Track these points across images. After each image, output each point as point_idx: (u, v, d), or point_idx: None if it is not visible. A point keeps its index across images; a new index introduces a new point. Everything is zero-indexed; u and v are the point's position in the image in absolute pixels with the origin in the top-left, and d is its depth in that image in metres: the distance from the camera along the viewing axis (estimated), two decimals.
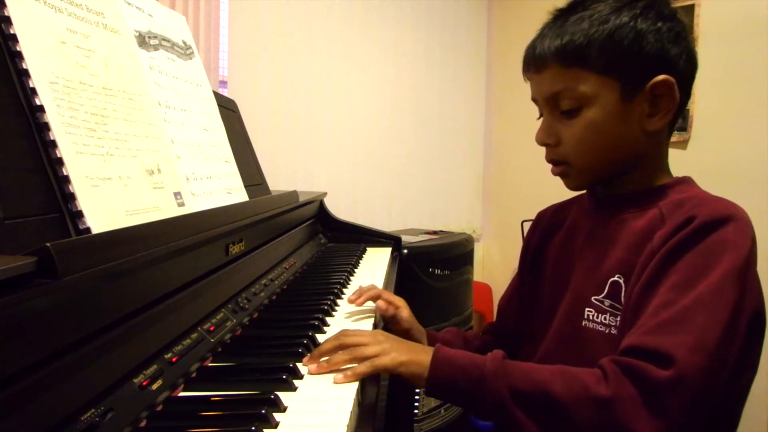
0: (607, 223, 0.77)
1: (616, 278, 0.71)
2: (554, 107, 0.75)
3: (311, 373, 0.65)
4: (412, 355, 0.67)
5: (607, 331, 0.71)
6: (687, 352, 0.56)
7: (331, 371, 0.65)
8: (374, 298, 0.95)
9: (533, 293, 0.88)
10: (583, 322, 0.74)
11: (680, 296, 0.60)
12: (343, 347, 0.67)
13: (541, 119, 0.78)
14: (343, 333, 0.71)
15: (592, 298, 0.73)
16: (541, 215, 0.95)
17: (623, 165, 0.75)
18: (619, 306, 0.70)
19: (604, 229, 0.77)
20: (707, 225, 0.63)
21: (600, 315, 0.72)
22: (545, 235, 0.90)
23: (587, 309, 0.74)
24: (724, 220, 0.63)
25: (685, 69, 0.72)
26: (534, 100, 0.79)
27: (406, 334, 0.90)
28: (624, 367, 0.58)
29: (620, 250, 0.72)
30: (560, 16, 0.75)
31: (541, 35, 0.75)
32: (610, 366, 0.59)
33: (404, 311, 0.93)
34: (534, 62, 0.76)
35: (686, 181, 0.76)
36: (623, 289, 0.70)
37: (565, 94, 0.72)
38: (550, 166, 0.79)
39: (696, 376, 0.55)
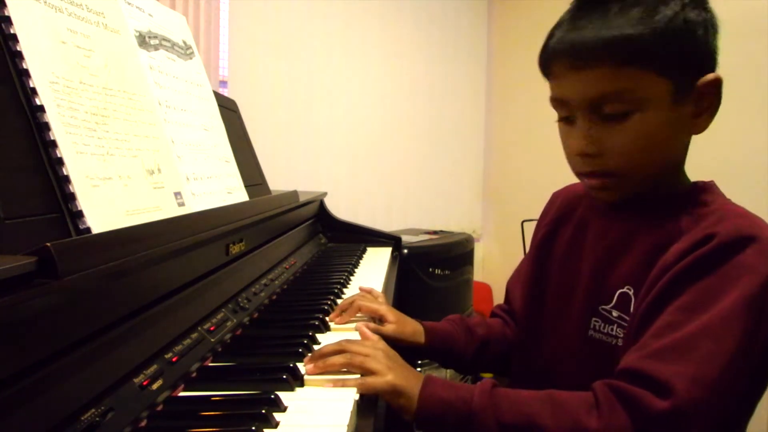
0: (620, 228, 0.72)
1: (625, 290, 0.68)
2: (594, 111, 0.65)
3: (308, 373, 0.65)
4: (405, 384, 0.64)
5: (613, 343, 0.68)
6: (687, 383, 0.53)
7: (326, 372, 0.65)
8: (359, 311, 0.88)
9: (540, 287, 0.83)
10: (589, 332, 0.71)
11: (687, 320, 0.57)
12: (343, 353, 0.66)
13: (562, 123, 0.70)
14: (346, 342, 0.69)
15: (600, 307, 0.70)
16: (555, 197, 0.90)
17: (666, 172, 0.69)
18: (627, 318, 0.67)
19: (617, 235, 0.72)
20: (726, 245, 0.59)
21: (607, 326, 0.69)
22: (555, 224, 0.85)
23: (594, 319, 0.71)
24: (744, 241, 0.59)
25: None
26: (557, 100, 0.69)
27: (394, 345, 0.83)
28: (619, 394, 0.56)
29: (632, 260, 0.68)
30: (594, 3, 0.65)
31: (576, 27, 0.65)
32: (604, 392, 0.57)
33: (389, 327, 0.85)
34: (575, 58, 0.65)
35: (709, 188, 0.70)
36: (632, 301, 0.67)
37: (616, 97, 0.63)
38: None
39: (694, 409, 0.53)
